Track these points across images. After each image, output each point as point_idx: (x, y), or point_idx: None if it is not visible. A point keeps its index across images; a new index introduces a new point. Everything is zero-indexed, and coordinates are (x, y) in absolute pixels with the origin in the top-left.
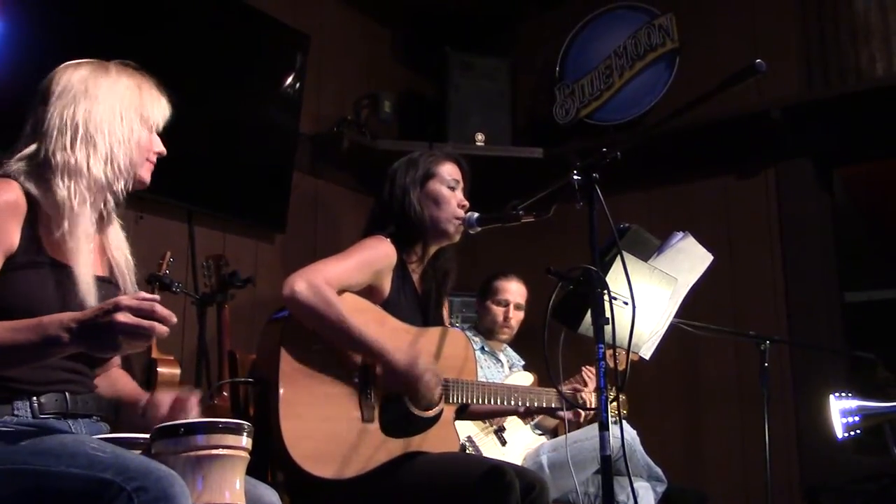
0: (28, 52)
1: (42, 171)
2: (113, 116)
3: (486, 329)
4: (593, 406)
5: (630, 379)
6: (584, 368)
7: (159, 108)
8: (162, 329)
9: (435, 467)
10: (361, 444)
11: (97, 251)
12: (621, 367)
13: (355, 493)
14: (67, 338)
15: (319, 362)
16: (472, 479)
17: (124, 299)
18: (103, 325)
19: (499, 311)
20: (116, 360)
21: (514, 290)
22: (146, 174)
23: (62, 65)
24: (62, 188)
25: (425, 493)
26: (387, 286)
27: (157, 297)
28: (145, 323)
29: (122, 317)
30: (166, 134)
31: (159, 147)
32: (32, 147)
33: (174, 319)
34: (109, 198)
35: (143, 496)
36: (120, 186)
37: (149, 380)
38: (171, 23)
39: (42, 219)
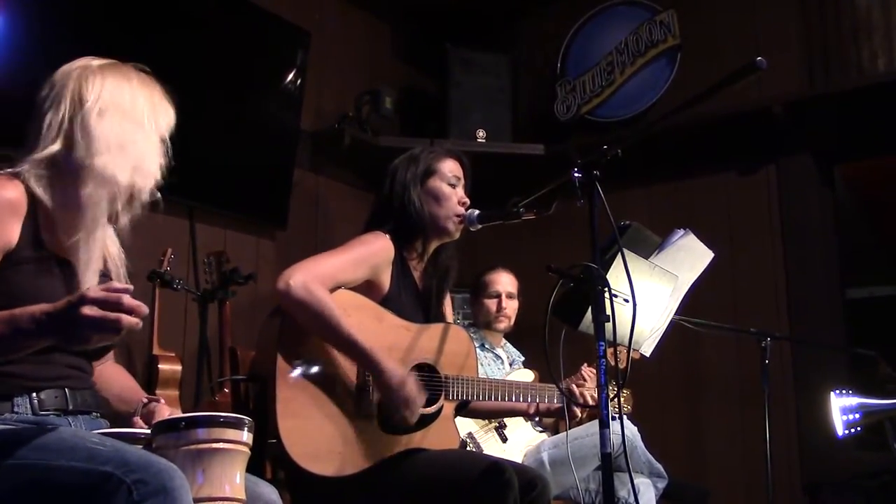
0: (28, 50)
1: (63, 173)
2: (139, 129)
3: (483, 323)
4: (594, 402)
5: (631, 376)
6: (583, 367)
7: (167, 117)
8: (130, 321)
9: (434, 464)
10: (360, 442)
11: None
12: (622, 365)
13: (355, 491)
14: (37, 330)
15: (317, 358)
16: (471, 476)
17: (90, 291)
18: (70, 319)
19: (491, 303)
20: (110, 353)
21: (504, 281)
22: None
23: (82, 65)
24: (89, 193)
25: (425, 491)
26: (385, 282)
27: (129, 287)
28: (111, 315)
29: (88, 310)
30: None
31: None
32: (55, 148)
33: (145, 310)
34: (125, 203)
35: (142, 489)
36: (146, 195)
37: (150, 376)
38: (172, 20)
39: (44, 218)
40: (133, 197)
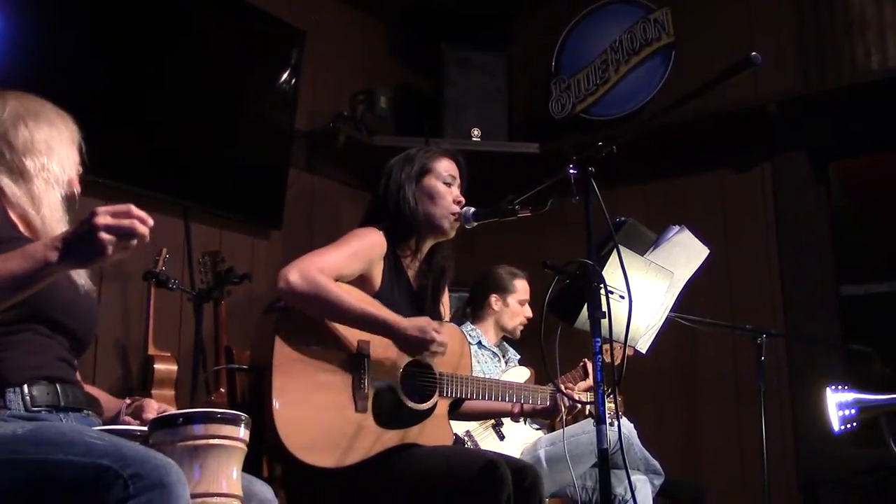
0: (28, 50)
1: (12, 169)
2: (53, 129)
3: (505, 327)
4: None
5: (627, 373)
6: (585, 360)
7: (75, 128)
8: (143, 228)
9: (429, 459)
10: (356, 435)
11: None
12: (617, 362)
13: (349, 483)
14: (56, 256)
15: (313, 352)
16: (465, 472)
17: (99, 208)
18: (86, 232)
19: (523, 310)
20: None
21: (528, 289)
22: (77, 185)
23: None
24: (38, 179)
25: (418, 486)
26: (377, 277)
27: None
28: (125, 221)
29: (102, 218)
30: (163, 131)
31: (80, 167)
32: None
33: (151, 221)
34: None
35: (138, 483)
36: (65, 183)
37: (145, 376)
38: (167, 19)
39: (11, 206)
40: (68, 190)
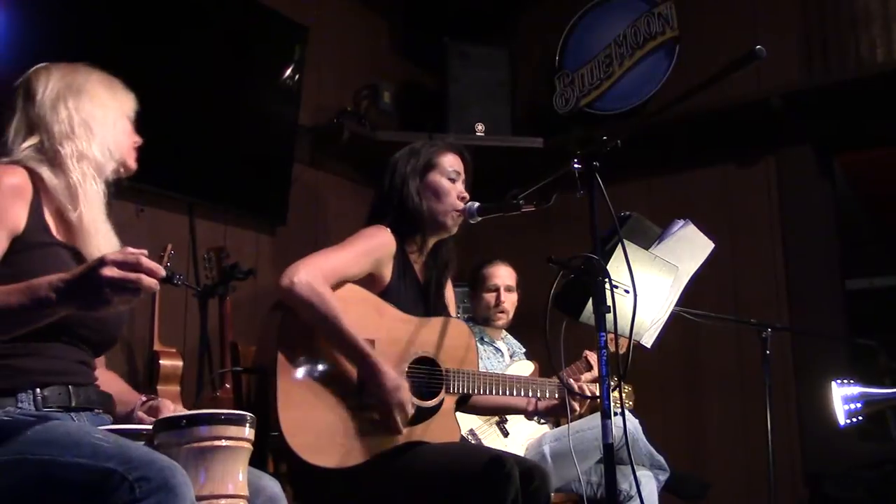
0: (29, 45)
1: (51, 158)
2: (97, 107)
3: (481, 317)
4: (595, 394)
5: (632, 368)
6: (587, 352)
7: (127, 98)
8: (149, 282)
9: (436, 457)
10: (361, 434)
11: None
12: (622, 351)
13: (356, 483)
14: (56, 297)
15: (318, 350)
16: (472, 468)
17: (109, 254)
18: (90, 281)
19: (490, 296)
20: (102, 359)
21: (503, 274)
22: (132, 161)
23: (34, 69)
24: (75, 171)
25: (426, 483)
26: (387, 275)
27: (143, 251)
28: (132, 275)
29: (108, 271)
30: (167, 128)
31: (136, 137)
32: (34, 139)
33: (162, 272)
34: (102, 181)
35: (144, 486)
36: (112, 167)
37: (151, 372)
38: (170, 15)
39: (48, 203)
40: (117, 171)
